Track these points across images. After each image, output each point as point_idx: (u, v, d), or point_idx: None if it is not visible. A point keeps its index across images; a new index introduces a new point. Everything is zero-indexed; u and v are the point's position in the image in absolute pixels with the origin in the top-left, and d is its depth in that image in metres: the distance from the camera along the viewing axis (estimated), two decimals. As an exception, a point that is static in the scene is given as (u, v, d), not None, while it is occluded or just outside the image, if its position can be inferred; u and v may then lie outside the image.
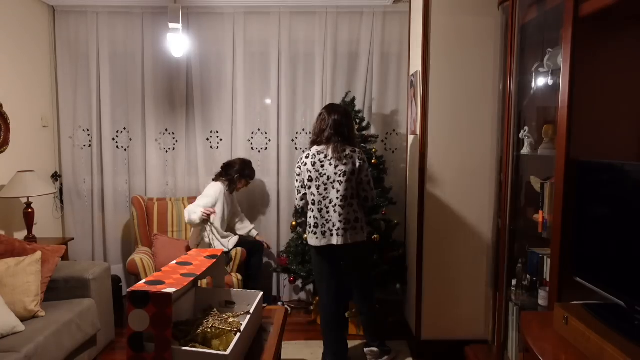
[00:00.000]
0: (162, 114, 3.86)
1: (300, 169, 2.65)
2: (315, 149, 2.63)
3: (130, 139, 3.89)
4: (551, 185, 2.04)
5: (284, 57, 3.77)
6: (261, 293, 2.11)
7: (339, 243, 2.55)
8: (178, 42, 3.47)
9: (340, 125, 2.60)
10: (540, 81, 2.27)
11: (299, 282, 3.60)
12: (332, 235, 2.56)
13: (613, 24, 1.80)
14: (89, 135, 3.87)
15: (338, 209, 2.54)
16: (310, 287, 3.75)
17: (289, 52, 3.77)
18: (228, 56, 3.79)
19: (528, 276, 2.30)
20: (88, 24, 3.72)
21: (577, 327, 1.52)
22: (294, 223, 3.45)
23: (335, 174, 2.55)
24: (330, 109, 2.67)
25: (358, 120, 3.40)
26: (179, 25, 3.37)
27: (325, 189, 2.57)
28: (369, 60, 3.77)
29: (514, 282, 2.38)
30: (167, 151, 3.92)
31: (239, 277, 3.35)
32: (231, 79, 3.81)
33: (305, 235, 2.72)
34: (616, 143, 1.86)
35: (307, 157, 2.62)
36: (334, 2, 3.66)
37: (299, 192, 2.68)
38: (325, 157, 2.58)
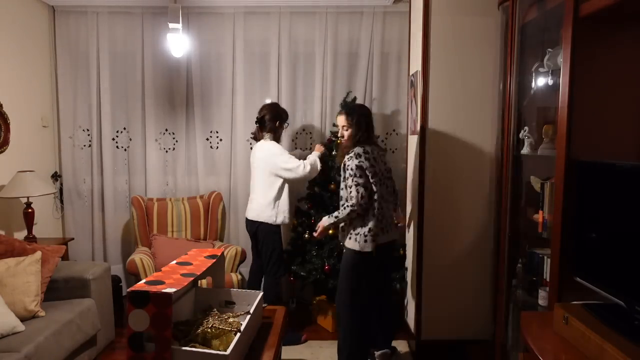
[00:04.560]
0: (162, 114, 3.86)
1: (364, 165, 2.51)
2: (365, 147, 2.57)
3: (130, 139, 3.89)
4: (551, 185, 2.04)
5: (284, 57, 3.77)
6: (261, 293, 2.11)
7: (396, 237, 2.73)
8: (178, 42, 3.47)
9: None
10: (540, 81, 2.27)
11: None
12: (388, 231, 2.66)
13: (613, 24, 1.80)
14: (89, 135, 3.87)
15: (391, 205, 2.71)
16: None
17: (289, 52, 3.77)
18: (228, 56, 3.79)
19: (528, 276, 2.31)
20: (88, 24, 3.72)
21: (577, 327, 1.52)
22: (295, 222, 3.46)
23: (386, 170, 2.69)
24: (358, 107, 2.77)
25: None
26: (179, 25, 3.37)
27: (382, 185, 2.59)
28: (369, 60, 3.77)
29: (514, 282, 2.38)
30: (167, 151, 3.92)
31: (239, 276, 3.35)
32: (231, 79, 3.81)
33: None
34: (616, 143, 1.86)
35: (366, 153, 2.54)
36: (334, 2, 3.66)
37: (367, 189, 2.50)
38: (378, 154, 2.64)
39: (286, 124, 3.25)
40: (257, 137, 3.22)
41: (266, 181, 3.07)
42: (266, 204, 3.05)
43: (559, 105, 1.85)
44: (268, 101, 3.84)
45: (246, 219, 3.19)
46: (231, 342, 1.67)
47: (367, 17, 3.72)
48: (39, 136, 3.65)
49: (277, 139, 3.15)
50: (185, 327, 1.82)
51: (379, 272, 2.71)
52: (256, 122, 3.18)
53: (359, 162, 2.49)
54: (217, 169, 3.88)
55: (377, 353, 2.85)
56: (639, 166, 1.53)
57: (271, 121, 3.10)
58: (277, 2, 3.67)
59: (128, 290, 1.56)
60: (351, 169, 2.50)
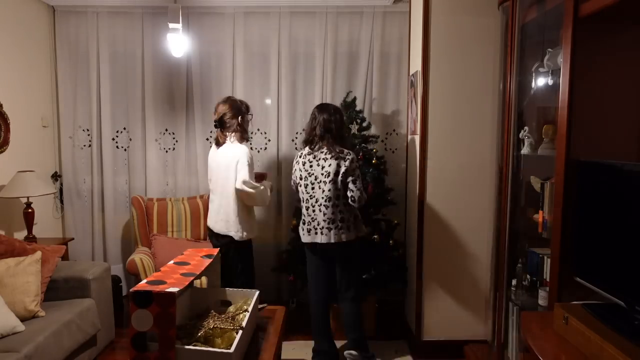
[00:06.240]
0: (162, 114, 3.86)
1: (294, 167, 2.77)
2: (307, 149, 2.73)
3: (130, 139, 3.89)
4: (551, 185, 2.04)
5: (284, 57, 3.77)
6: (257, 292, 2.11)
7: (322, 241, 2.63)
8: (178, 42, 3.47)
9: (329, 123, 2.65)
10: (540, 81, 2.28)
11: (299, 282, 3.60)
12: (316, 233, 2.65)
13: (613, 24, 1.80)
14: (89, 135, 3.87)
15: (323, 208, 2.62)
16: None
17: (289, 52, 3.77)
18: (228, 56, 3.79)
19: (528, 276, 2.31)
20: (88, 24, 3.72)
21: (577, 327, 1.52)
22: (294, 222, 3.45)
23: (322, 174, 2.62)
24: (320, 108, 2.73)
25: (359, 121, 3.41)
26: (179, 25, 3.37)
27: (312, 189, 2.66)
28: (369, 60, 3.77)
29: (514, 282, 2.38)
30: (167, 151, 3.92)
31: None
32: (231, 79, 3.81)
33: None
34: (616, 143, 1.86)
35: (300, 157, 2.74)
36: (334, 2, 3.66)
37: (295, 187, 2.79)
38: (314, 157, 2.67)
39: (250, 116, 2.85)
40: (219, 142, 2.82)
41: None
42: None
43: (559, 105, 1.85)
44: (268, 101, 3.83)
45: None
46: (233, 339, 1.67)
47: (367, 17, 3.72)
48: (39, 136, 3.64)
49: (245, 137, 2.81)
50: (183, 330, 1.81)
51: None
52: (215, 125, 2.78)
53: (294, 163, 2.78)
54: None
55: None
56: (639, 166, 1.53)
57: (233, 119, 2.73)
58: (277, 2, 3.67)
59: (131, 290, 1.56)
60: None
